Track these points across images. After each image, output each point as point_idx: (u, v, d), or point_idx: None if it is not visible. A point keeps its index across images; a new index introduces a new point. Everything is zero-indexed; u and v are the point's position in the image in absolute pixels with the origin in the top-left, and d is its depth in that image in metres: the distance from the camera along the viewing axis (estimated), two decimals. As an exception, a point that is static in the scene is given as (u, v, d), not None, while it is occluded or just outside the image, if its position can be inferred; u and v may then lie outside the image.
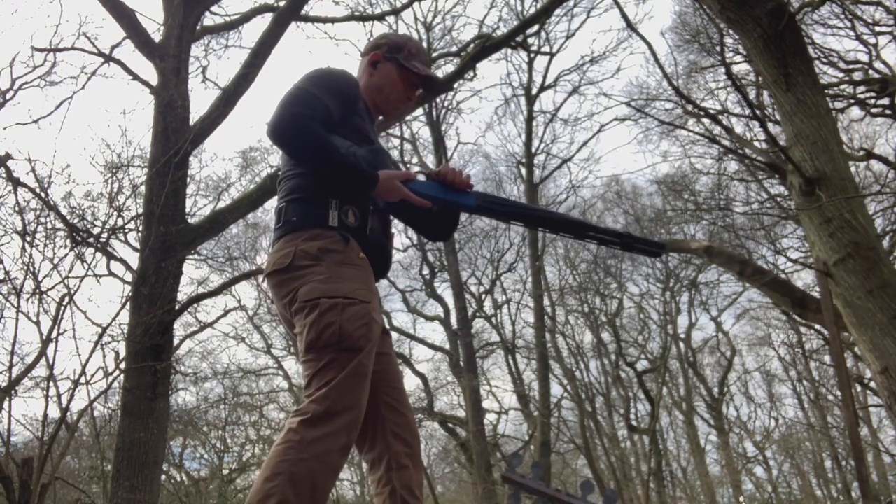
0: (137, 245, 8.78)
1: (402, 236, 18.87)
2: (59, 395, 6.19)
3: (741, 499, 20.81)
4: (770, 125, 9.81)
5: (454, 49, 15.52)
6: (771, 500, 22.59)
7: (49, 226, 7.04)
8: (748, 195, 13.48)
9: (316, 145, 1.95)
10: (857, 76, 11.23)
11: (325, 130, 1.99)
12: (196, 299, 9.79)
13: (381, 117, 2.39)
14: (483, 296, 20.60)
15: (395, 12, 13.46)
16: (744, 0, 5.48)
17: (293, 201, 2.03)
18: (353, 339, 1.86)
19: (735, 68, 10.89)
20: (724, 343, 22.60)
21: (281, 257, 1.97)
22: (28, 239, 6.66)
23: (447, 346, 18.80)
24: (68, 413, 6.34)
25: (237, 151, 24.70)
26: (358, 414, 1.84)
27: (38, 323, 6.34)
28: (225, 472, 18.13)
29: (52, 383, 6.23)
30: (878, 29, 11.03)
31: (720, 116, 11.68)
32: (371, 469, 2.05)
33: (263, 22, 9.46)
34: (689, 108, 11.38)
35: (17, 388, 6.72)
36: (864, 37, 11.14)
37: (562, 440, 21.35)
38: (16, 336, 6.50)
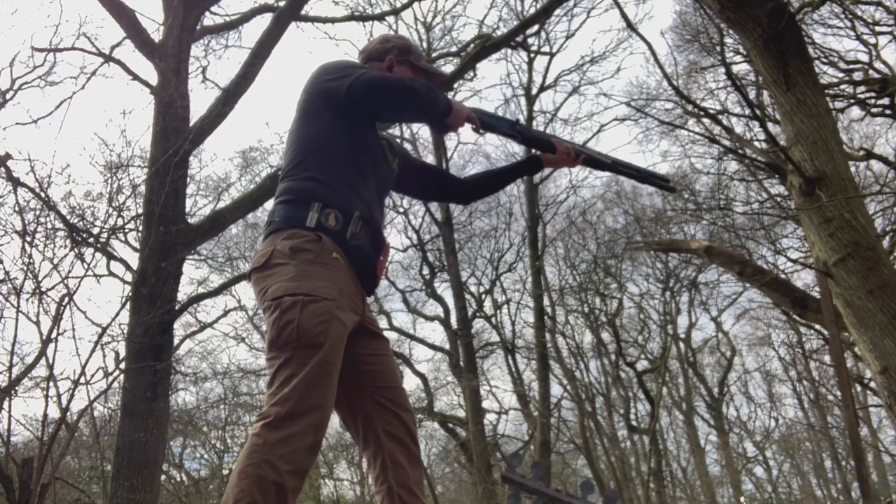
0: (137, 245, 8.79)
1: (401, 236, 18.89)
2: (59, 395, 6.19)
3: (742, 499, 20.81)
4: (770, 125, 9.81)
5: (454, 49, 15.55)
6: (771, 500, 22.60)
7: (49, 226, 7.05)
8: (748, 195, 13.48)
9: (406, 90, 2.11)
10: (857, 76, 11.21)
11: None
12: (196, 299, 9.82)
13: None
14: (483, 296, 20.60)
15: (395, 12, 13.48)
16: (744, 0, 5.48)
17: (280, 203, 2.08)
18: (311, 336, 1.85)
19: (735, 68, 10.88)
20: (724, 343, 22.64)
21: (260, 256, 2.02)
22: (28, 239, 6.66)
23: (447, 346, 18.78)
24: (68, 413, 6.35)
25: (237, 151, 24.68)
26: (323, 413, 1.84)
27: (38, 323, 6.34)
28: (225, 472, 18.11)
29: (52, 383, 6.24)
30: (878, 29, 11.02)
31: (720, 116, 11.68)
32: (369, 467, 2.08)
33: (263, 22, 9.49)
34: (689, 108, 11.38)
35: (17, 388, 6.72)
36: (864, 37, 11.14)
37: (562, 440, 21.35)
38: (16, 336, 6.50)
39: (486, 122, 2.35)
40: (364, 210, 2.09)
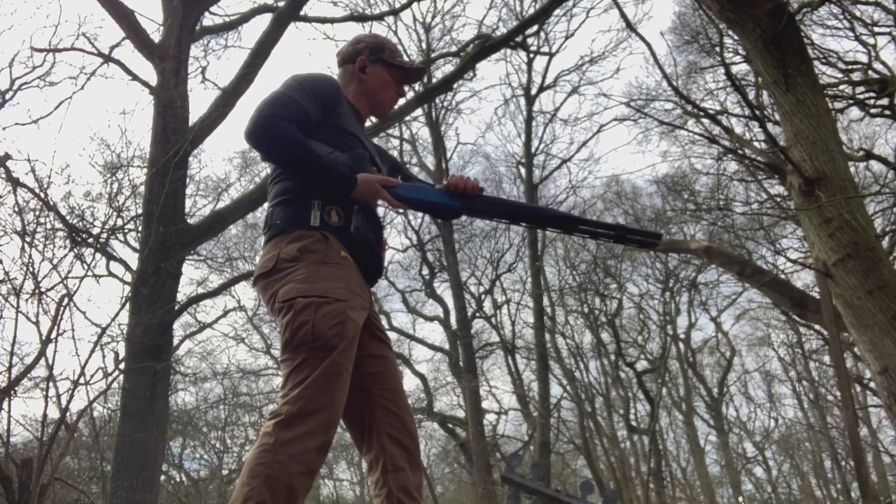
0: (137, 245, 8.78)
1: (401, 236, 18.90)
2: (58, 396, 6.19)
3: (740, 499, 20.81)
4: (770, 125, 9.81)
5: (453, 49, 15.54)
6: (771, 501, 22.60)
7: (48, 226, 7.04)
8: (748, 195, 13.49)
9: (290, 147, 1.97)
10: (857, 76, 11.22)
11: (302, 134, 2.01)
12: (195, 300, 9.82)
13: (372, 118, 2.42)
14: (483, 296, 20.60)
15: (394, 13, 13.49)
16: (743, 0, 5.48)
17: (278, 204, 2.06)
18: (327, 338, 1.85)
19: (735, 68, 10.89)
20: (723, 343, 22.62)
21: (266, 261, 2.00)
22: (27, 239, 6.65)
23: (447, 347, 18.79)
24: (68, 413, 6.34)
25: (237, 151, 24.66)
26: (333, 413, 1.85)
27: (37, 323, 6.32)
28: (224, 472, 18.10)
29: (51, 384, 6.23)
30: (876, 29, 11.03)
31: (720, 117, 11.69)
32: (370, 470, 2.07)
33: (263, 22, 9.49)
34: (689, 108, 11.39)
35: (16, 388, 6.70)
36: (863, 37, 11.14)
37: (561, 440, 21.33)
38: (15, 336, 6.46)
39: (421, 202, 2.13)
40: (361, 201, 2.10)
